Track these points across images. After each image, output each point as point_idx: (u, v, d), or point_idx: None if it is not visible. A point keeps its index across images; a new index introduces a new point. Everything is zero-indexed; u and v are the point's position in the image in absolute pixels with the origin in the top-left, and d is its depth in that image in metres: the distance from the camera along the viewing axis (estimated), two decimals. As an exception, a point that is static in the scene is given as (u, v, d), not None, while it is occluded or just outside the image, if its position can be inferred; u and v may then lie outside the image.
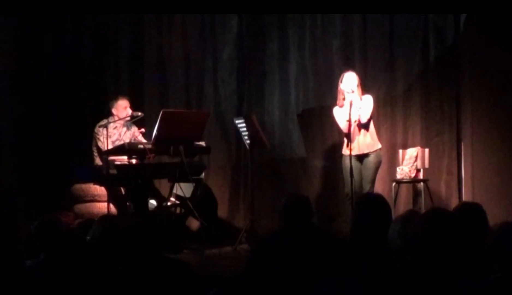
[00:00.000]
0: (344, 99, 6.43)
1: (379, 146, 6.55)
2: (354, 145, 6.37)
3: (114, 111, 6.74)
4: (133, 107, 6.82)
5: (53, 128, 7.47)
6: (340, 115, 6.42)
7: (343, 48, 7.44)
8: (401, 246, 2.86)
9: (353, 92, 6.35)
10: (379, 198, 3.34)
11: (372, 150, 6.47)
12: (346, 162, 6.32)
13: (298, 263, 1.92)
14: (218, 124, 7.74)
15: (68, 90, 7.68)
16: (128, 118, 6.74)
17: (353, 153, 6.31)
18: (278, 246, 1.96)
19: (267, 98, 7.72)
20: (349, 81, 6.42)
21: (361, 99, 6.42)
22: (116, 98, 6.81)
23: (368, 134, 6.47)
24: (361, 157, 6.45)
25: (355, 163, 6.29)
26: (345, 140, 6.46)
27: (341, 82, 6.46)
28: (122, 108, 6.71)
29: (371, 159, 6.46)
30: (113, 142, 6.65)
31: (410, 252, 2.61)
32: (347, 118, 6.22)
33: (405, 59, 7.28)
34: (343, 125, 6.36)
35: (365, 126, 6.46)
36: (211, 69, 7.77)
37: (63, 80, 7.63)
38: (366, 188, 6.41)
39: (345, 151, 6.44)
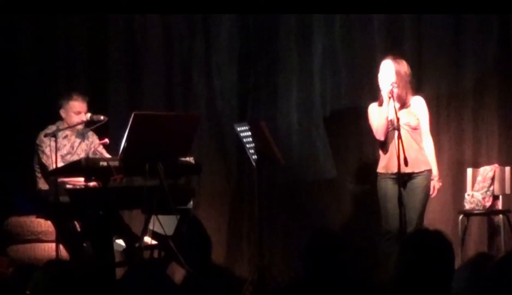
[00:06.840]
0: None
1: (429, 166, 6.53)
2: (391, 159, 6.38)
3: (63, 113, 6.73)
4: (93, 109, 6.81)
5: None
6: (377, 113, 6.47)
7: (388, 24, 7.46)
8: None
9: (392, 86, 6.36)
10: (438, 236, 3.30)
11: (419, 170, 6.44)
12: (385, 184, 6.39)
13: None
14: (212, 132, 7.75)
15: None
16: (82, 124, 6.72)
17: (390, 171, 6.38)
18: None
19: (281, 95, 7.74)
20: (384, 71, 6.46)
21: (407, 103, 6.46)
22: (68, 96, 6.78)
23: (417, 146, 6.45)
24: (402, 179, 6.43)
25: (393, 186, 6.33)
26: (381, 153, 6.52)
27: (379, 72, 6.52)
28: (74, 112, 6.69)
29: (419, 182, 6.43)
30: (63, 157, 6.66)
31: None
32: (386, 116, 6.31)
33: (476, 40, 7.28)
34: (378, 125, 6.41)
35: (416, 135, 6.46)
36: (203, 53, 7.78)
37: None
38: (413, 223, 6.37)
39: (384, 167, 6.48)
